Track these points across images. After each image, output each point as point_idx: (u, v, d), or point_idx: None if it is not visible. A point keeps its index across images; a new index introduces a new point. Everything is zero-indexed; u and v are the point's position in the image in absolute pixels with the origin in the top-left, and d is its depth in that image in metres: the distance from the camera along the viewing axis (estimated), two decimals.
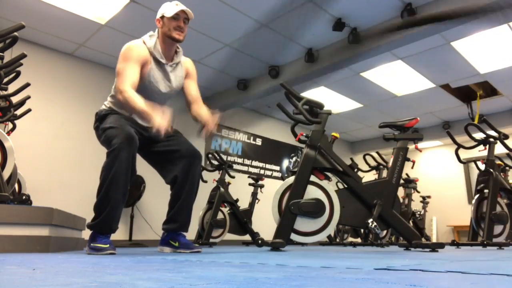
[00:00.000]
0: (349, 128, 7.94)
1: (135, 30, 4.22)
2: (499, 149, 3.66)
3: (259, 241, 3.65)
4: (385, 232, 4.89)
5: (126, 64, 2.02)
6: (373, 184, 2.68)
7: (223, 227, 4.45)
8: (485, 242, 3.17)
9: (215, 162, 4.88)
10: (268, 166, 7.08)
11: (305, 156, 2.55)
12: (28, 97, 3.10)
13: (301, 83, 5.25)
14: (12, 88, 2.85)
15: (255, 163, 6.86)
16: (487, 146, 3.58)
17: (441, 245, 2.47)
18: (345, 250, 3.14)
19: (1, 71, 2.31)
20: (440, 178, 8.41)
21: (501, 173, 3.82)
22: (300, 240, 2.50)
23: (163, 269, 1.03)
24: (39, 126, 4.44)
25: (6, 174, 2.42)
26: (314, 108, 2.61)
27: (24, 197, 3.13)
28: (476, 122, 5.81)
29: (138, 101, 1.91)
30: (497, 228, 3.37)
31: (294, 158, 7.55)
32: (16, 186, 3.25)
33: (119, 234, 4.68)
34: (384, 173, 5.00)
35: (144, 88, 2.10)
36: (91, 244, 1.89)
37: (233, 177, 4.88)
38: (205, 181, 4.40)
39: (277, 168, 7.25)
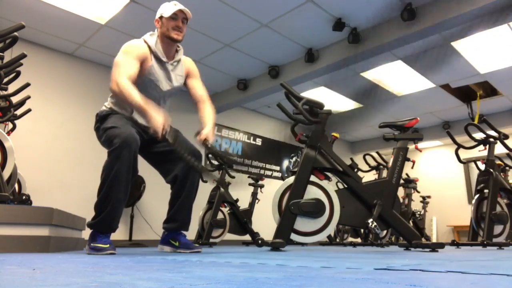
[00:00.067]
0: (349, 128, 7.94)
1: (135, 30, 4.22)
2: (499, 149, 3.66)
3: (259, 241, 3.65)
4: (385, 232, 4.89)
5: (125, 57, 2.02)
6: (373, 184, 2.68)
7: (223, 227, 4.45)
8: (485, 242, 3.17)
9: (215, 162, 4.88)
10: (268, 166, 7.08)
11: (305, 156, 2.55)
12: (28, 97, 3.10)
13: (301, 83, 5.25)
14: (12, 88, 2.85)
15: (255, 163, 6.86)
16: (487, 146, 3.58)
17: (441, 245, 2.47)
18: (345, 250, 3.14)
19: (1, 71, 2.31)
20: (440, 178, 8.41)
21: (501, 173, 3.82)
22: (300, 240, 2.50)
23: (163, 269, 1.03)
24: (39, 126, 4.44)
25: (6, 174, 2.42)
26: (314, 108, 2.61)
27: (24, 197, 3.13)
28: (476, 122, 5.81)
29: (134, 94, 1.89)
30: (497, 228, 3.37)
31: (294, 158, 7.55)
32: (16, 186, 3.25)
33: (119, 234, 4.68)
34: (384, 173, 5.00)
35: (145, 86, 2.10)
36: (91, 244, 1.89)
37: (233, 177, 4.88)
38: (205, 181, 4.40)
39: (277, 168, 7.25)
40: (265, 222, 4.35)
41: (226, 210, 4.61)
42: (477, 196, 3.55)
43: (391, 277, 0.83)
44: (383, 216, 2.54)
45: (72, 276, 0.87)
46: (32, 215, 2.00)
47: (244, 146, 6.75)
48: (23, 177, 3.53)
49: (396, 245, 4.06)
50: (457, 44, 4.60)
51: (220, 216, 4.45)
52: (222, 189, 4.50)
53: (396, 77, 5.51)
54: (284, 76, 5.10)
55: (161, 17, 2.14)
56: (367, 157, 5.21)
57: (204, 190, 3.88)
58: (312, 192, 2.51)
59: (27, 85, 2.91)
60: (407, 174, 5.79)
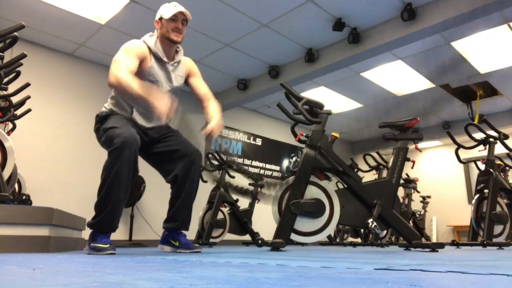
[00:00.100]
0: (349, 128, 7.94)
1: (135, 30, 4.22)
2: (499, 149, 3.66)
3: (259, 241, 3.65)
4: (385, 232, 4.89)
5: (124, 54, 2.02)
6: (373, 184, 2.68)
7: (223, 227, 4.45)
8: (485, 242, 3.17)
9: (215, 162, 4.88)
10: (268, 166, 7.08)
11: (305, 156, 2.55)
12: (28, 97, 3.10)
13: (301, 83, 5.25)
14: (12, 88, 2.85)
15: (255, 163, 6.86)
16: (487, 146, 3.58)
17: (441, 245, 2.47)
18: (345, 250, 3.14)
19: (1, 71, 2.31)
20: (440, 178, 8.41)
21: (501, 173, 3.82)
22: (300, 240, 2.50)
23: (163, 269, 1.03)
24: (39, 126, 4.44)
25: (6, 174, 2.42)
26: (314, 108, 2.61)
27: (24, 197, 3.13)
28: (476, 122, 5.81)
29: (133, 85, 1.85)
30: (497, 228, 3.37)
31: (294, 158, 7.55)
32: (16, 186, 3.25)
33: (119, 234, 4.68)
34: (384, 173, 5.00)
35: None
36: (91, 244, 1.89)
37: (233, 177, 4.88)
38: (205, 181, 4.40)
39: (277, 168, 7.25)
40: (265, 222, 4.35)
41: (226, 210, 4.61)
42: (477, 196, 3.55)
43: (391, 277, 0.83)
44: (383, 216, 2.54)
45: (72, 276, 0.87)
46: (32, 215, 2.00)
47: (244, 146, 6.75)
48: (23, 177, 3.53)
49: (396, 245, 4.06)
50: (457, 44, 4.60)
51: (220, 216, 4.45)
52: (222, 189, 4.50)
53: (396, 77, 5.51)
54: (284, 76, 5.10)
55: (160, 18, 2.14)
56: (367, 157, 5.21)
57: (204, 190, 3.88)
58: (312, 192, 2.51)
59: (27, 85, 2.91)
60: (407, 174, 5.79)
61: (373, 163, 5.27)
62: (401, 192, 5.14)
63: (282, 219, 2.45)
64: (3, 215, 1.91)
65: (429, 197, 6.72)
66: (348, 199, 2.61)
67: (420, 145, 6.74)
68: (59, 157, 4.55)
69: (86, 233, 2.33)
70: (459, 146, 3.78)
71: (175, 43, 2.15)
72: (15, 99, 2.92)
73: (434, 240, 8.09)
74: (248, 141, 6.86)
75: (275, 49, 4.76)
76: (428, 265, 1.16)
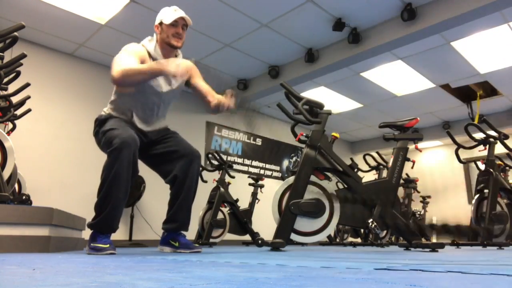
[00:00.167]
0: (349, 128, 7.93)
1: (135, 30, 4.22)
2: (499, 149, 3.66)
3: (259, 241, 3.65)
4: (385, 232, 4.89)
5: (125, 54, 2.02)
6: (373, 184, 2.68)
7: (223, 227, 4.45)
8: (485, 242, 3.17)
9: (215, 162, 4.88)
10: (268, 166, 7.08)
11: (305, 156, 2.55)
12: (28, 97, 3.10)
13: (301, 83, 5.25)
14: (12, 88, 2.85)
15: (255, 163, 6.86)
16: (487, 146, 3.58)
17: (441, 245, 2.47)
18: (345, 250, 3.14)
19: (1, 71, 2.31)
20: (440, 178, 8.40)
21: (501, 173, 3.82)
22: (300, 240, 2.50)
23: (163, 269, 1.03)
24: (39, 126, 4.44)
25: (6, 174, 2.42)
26: (314, 108, 2.61)
27: (24, 197, 3.13)
28: (476, 122, 5.81)
29: (140, 67, 1.90)
30: (497, 228, 3.37)
31: (294, 158, 7.55)
32: (16, 186, 3.25)
33: (119, 234, 4.68)
34: (384, 173, 5.00)
35: (144, 91, 2.10)
36: (91, 244, 1.89)
37: (233, 177, 4.88)
38: (205, 181, 4.40)
39: (277, 168, 7.25)
40: (265, 222, 4.35)
41: (226, 210, 4.61)
42: (477, 196, 3.55)
43: (391, 277, 0.83)
44: (383, 216, 2.54)
45: (72, 276, 0.87)
46: (32, 215, 2.00)
47: (244, 146, 6.75)
48: (23, 177, 3.53)
49: (396, 245, 4.06)
50: (457, 44, 4.60)
51: (220, 216, 4.45)
52: (222, 189, 4.50)
53: (396, 77, 5.51)
54: (284, 76, 5.10)
55: (161, 23, 2.13)
56: (367, 157, 5.21)
57: (204, 190, 3.88)
58: (312, 192, 2.51)
59: (27, 85, 2.91)
60: (407, 174, 5.79)
61: (373, 163, 5.27)
62: (401, 192, 5.14)
63: (282, 219, 2.45)
64: (3, 215, 1.91)
65: (429, 197, 6.72)
66: (348, 199, 2.61)
67: (420, 145, 6.73)
68: (59, 157, 4.55)
69: (86, 233, 2.33)
70: (459, 146, 3.78)
71: (175, 48, 2.15)
72: (15, 99, 2.92)
73: (434, 240, 8.08)
74: (248, 141, 6.86)
75: (275, 49, 4.76)
76: (428, 265, 1.16)
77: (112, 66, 1.97)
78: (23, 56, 2.38)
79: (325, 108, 2.65)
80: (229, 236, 4.63)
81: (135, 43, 2.14)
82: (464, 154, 3.99)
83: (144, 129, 2.17)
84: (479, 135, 3.67)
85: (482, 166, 3.64)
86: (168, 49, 2.16)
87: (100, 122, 2.13)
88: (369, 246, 4.86)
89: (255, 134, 6.97)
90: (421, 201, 6.63)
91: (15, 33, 2.08)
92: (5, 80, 2.63)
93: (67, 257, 1.61)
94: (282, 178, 7.07)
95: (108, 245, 1.88)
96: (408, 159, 2.85)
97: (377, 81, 5.65)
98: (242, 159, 6.66)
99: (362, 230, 5.31)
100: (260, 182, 5.37)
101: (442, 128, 7.30)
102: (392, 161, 2.75)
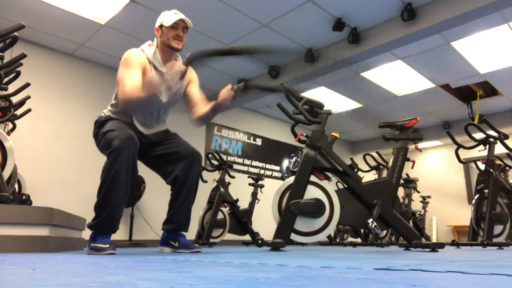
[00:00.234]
0: (349, 128, 7.93)
1: (135, 30, 4.22)
2: (499, 149, 3.66)
3: (259, 241, 3.64)
4: (385, 232, 4.89)
5: (126, 70, 2.01)
6: (373, 184, 2.68)
7: (223, 227, 4.45)
8: (485, 242, 3.17)
9: (215, 162, 4.88)
10: (268, 166, 7.09)
11: (305, 156, 2.55)
12: (28, 97, 3.10)
13: (301, 83, 5.25)
14: (12, 88, 2.85)
15: (255, 163, 6.86)
16: (487, 146, 3.58)
17: (441, 245, 2.47)
18: (345, 250, 3.14)
19: (1, 71, 2.31)
20: (440, 178, 8.41)
21: (501, 173, 3.82)
22: (300, 240, 2.50)
23: (163, 269, 1.03)
24: (39, 126, 4.44)
25: (6, 174, 2.42)
26: (314, 108, 2.61)
27: (24, 197, 3.13)
28: (476, 122, 5.81)
29: (140, 95, 1.92)
30: (497, 228, 3.37)
31: (294, 158, 7.55)
32: (16, 186, 3.25)
33: (119, 234, 4.68)
34: (384, 173, 5.00)
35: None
36: (91, 244, 1.89)
37: (233, 177, 4.88)
38: (205, 181, 4.40)
39: (277, 168, 7.25)
40: (265, 222, 4.35)
41: (226, 210, 4.61)
42: (477, 196, 3.55)
43: (391, 277, 0.83)
44: (383, 216, 2.54)
45: (72, 276, 0.87)
46: (32, 215, 2.00)
47: (244, 146, 6.75)
48: (23, 177, 3.53)
49: (396, 245, 4.06)
50: (457, 44, 4.60)
51: (220, 216, 4.45)
52: (222, 189, 4.50)
53: (396, 77, 5.51)
54: (284, 76, 5.10)
55: (161, 26, 2.13)
56: (367, 157, 5.21)
57: (204, 190, 3.88)
58: (312, 192, 2.51)
59: (27, 85, 2.91)
60: (407, 174, 5.79)
61: (373, 163, 5.27)
62: (401, 192, 5.14)
63: (282, 219, 2.45)
64: (3, 215, 1.91)
65: (429, 197, 6.72)
66: (348, 199, 2.61)
67: (420, 145, 6.75)
68: (59, 157, 4.55)
69: (86, 233, 2.33)
70: (459, 146, 3.78)
71: (176, 50, 2.15)
72: (15, 99, 2.92)
73: (434, 240, 8.09)
74: (248, 141, 6.86)
75: None
76: (428, 265, 1.16)
77: (118, 85, 2.01)
78: (23, 56, 2.38)
79: (325, 108, 2.65)
80: (229, 236, 4.63)
81: (134, 50, 2.12)
82: (464, 154, 3.99)
83: (144, 132, 2.17)
84: (479, 135, 3.67)
85: (482, 166, 3.64)
86: (169, 52, 2.16)
87: (99, 124, 2.13)
88: (369, 246, 4.86)
89: (255, 134, 6.97)
90: (421, 201, 6.63)
91: (15, 33, 2.08)
92: (5, 80, 2.63)
93: (67, 257, 1.61)
94: (282, 178, 7.07)
95: (108, 245, 1.88)
96: (408, 159, 2.85)
97: (377, 81, 5.65)
98: (242, 159, 6.66)
99: (362, 230, 5.31)
100: (260, 182, 5.37)
101: (442, 128, 7.30)
102: (392, 161, 2.75)
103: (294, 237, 2.48)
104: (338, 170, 2.57)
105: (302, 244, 4.54)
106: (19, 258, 1.44)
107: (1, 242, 1.86)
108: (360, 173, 3.54)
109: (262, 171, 6.94)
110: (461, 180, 8.16)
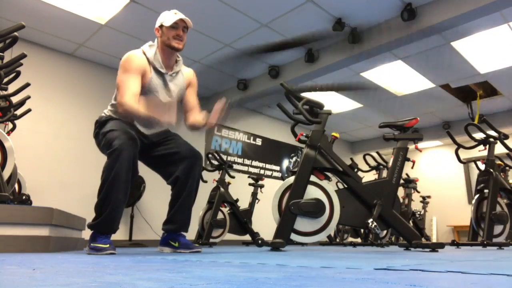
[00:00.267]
0: (349, 128, 7.94)
1: (135, 30, 4.22)
2: (499, 149, 3.66)
3: (259, 241, 3.64)
4: (385, 232, 4.89)
5: (126, 75, 2.02)
6: (373, 184, 2.68)
7: (223, 227, 4.45)
8: (485, 242, 3.17)
9: (215, 162, 4.88)
10: (268, 166, 7.08)
11: (305, 156, 2.55)
12: (28, 97, 3.10)
13: (301, 83, 5.25)
14: (12, 88, 2.85)
15: (255, 163, 6.86)
16: (487, 146, 3.58)
17: (441, 245, 2.47)
18: (345, 250, 3.14)
19: (1, 71, 2.31)
20: (440, 178, 8.41)
21: (501, 173, 3.82)
22: (300, 240, 2.50)
23: (163, 269, 1.03)
24: (39, 126, 4.44)
25: (6, 174, 2.42)
26: (314, 108, 2.61)
27: (24, 197, 3.13)
28: (476, 122, 5.81)
29: (140, 111, 1.94)
30: (497, 228, 3.37)
31: (294, 158, 7.55)
32: (16, 186, 3.25)
33: (119, 234, 4.67)
34: (384, 173, 5.00)
35: (145, 98, 2.10)
36: (91, 244, 1.89)
37: (233, 177, 4.88)
38: (205, 181, 4.40)
39: (277, 168, 7.25)
40: (265, 222, 4.35)
41: (226, 210, 4.61)
42: (477, 196, 3.55)
43: (391, 277, 0.83)
44: (383, 216, 2.54)
45: (72, 276, 0.87)
46: (32, 215, 2.00)
47: (244, 146, 6.75)
48: (23, 177, 3.53)
49: (396, 245, 4.06)
50: (457, 44, 4.60)
51: (220, 216, 4.45)
52: (222, 189, 4.50)
53: (396, 77, 5.51)
54: (284, 76, 5.10)
55: (161, 26, 2.13)
56: (367, 157, 5.21)
57: (204, 190, 3.87)
58: (312, 192, 2.51)
59: (27, 85, 2.91)
60: (407, 174, 5.79)
61: (373, 163, 5.27)
62: (401, 192, 5.14)
63: (282, 219, 2.45)
64: (3, 215, 1.91)
65: (429, 197, 6.72)
66: (348, 199, 2.61)
67: (420, 145, 6.73)
68: (59, 157, 4.55)
69: (86, 233, 2.33)
70: (459, 146, 3.78)
71: (176, 50, 2.15)
72: (15, 99, 2.92)
73: (434, 240, 8.09)
74: (248, 141, 6.86)
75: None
76: (428, 265, 1.16)
77: (117, 89, 2.04)
78: (23, 56, 2.37)
79: (325, 108, 2.64)
80: (229, 236, 4.63)
81: (135, 51, 2.13)
82: (464, 154, 3.99)
83: (145, 132, 2.17)
84: (479, 135, 3.67)
85: (482, 166, 3.64)
86: (169, 53, 2.16)
87: (100, 124, 2.13)
88: (369, 246, 4.86)
89: (255, 134, 6.97)
90: (421, 201, 6.63)
91: (15, 33, 2.08)
92: (5, 80, 2.63)
93: (67, 257, 1.61)
94: (282, 178, 7.07)
95: (108, 245, 1.88)
96: (408, 159, 2.85)
97: (377, 81, 5.65)
98: (242, 159, 6.66)
99: (362, 230, 5.31)
100: (260, 182, 5.37)
101: (442, 128, 7.30)
102: (392, 161, 2.75)
103: (294, 237, 2.48)
104: (338, 170, 2.57)
105: (302, 244, 4.54)
106: (19, 258, 1.44)
107: (1, 242, 1.86)
108: (360, 173, 3.54)
109: (262, 171, 6.94)
110: (461, 180, 8.16)
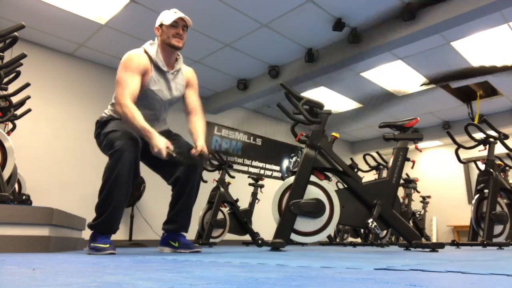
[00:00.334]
0: (349, 128, 7.94)
1: (135, 30, 4.22)
2: (499, 149, 3.66)
3: (259, 241, 3.64)
4: (385, 232, 4.89)
5: (126, 73, 2.02)
6: (373, 184, 2.68)
7: (223, 227, 4.45)
8: (485, 242, 3.17)
9: (215, 162, 4.88)
10: (268, 166, 7.08)
11: (305, 156, 2.55)
12: (28, 97, 3.10)
13: (301, 83, 5.25)
14: (12, 88, 2.85)
15: (255, 163, 6.86)
16: (487, 146, 3.58)
17: (441, 245, 2.47)
18: (345, 250, 3.14)
19: (1, 71, 2.31)
20: (440, 178, 8.41)
21: (501, 173, 3.82)
22: (300, 240, 2.50)
23: (163, 269, 1.03)
24: (39, 126, 4.44)
25: (6, 174, 2.42)
26: (314, 108, 2.61)
27: (24, 197, 3.13)
28: (476, 122, 5.81)
29: (138, 117, 1.92)
30: (497, 228, 3.37)
31: (294, 158, 7.55)
32: (16, 186, 3.25)
33: (119, 234, 4.67)
34: (384, 173, 5.00)
35: (145, 96, 2.11)
36: (91, 244, 1.89)
37: (233, 177, 4.88)
38: (205, 181, 4.40)
39: (277, 168, 7.25)
40: (265, 222, 4.35)
41: (226, 210, 4.61)
42: (477, 196, 3.55)
43: (391, 277, 0.83)
44: (383, 216, 2.54)
45: (72, 276, 0.87)
46: (32, 215, 2.00)
47: (244, 146, 6.75)
48: (23, 177, 3.53)
49: (396, 245, 4.06)
50: (457, 44, 4.60)
51: (220, 216, 4.45)
52: (222, 189, 4.50)
53: (396, 77, 5.51)
54: (284, 76, 5.10)
55: (161, 25, 2.13)
56: (367, 157, 5.21)
57: (204, 190, 3.87)
58: (312, 192, 2.51)
59: (27, 85, 2.91)
60: (407, 174, 5.79)
61: (373, 163, 5.27)
62: (401, 192, 5.14)
63: (282, 219, 2.45)
64: (3, 215, 1.91)
65: (429, 197, 6.72)
66: (348, 199, 2.61)
67: (420, 145, 6.74)
68: (59, 157, 4.55)
69: (86, 233, 2.33)
70: (459, 146, 3.78)
71: (176, 48, 2.15)
72: (15, 99, 2.92)
73: (434, 240, 8.09)
74: (248, 141, 6.86)
75: (275, 49, 4.76)
76: (428, 265, 1.16)
77: (116, 89, 2.02)
78: (23, 56, 2.37)
79: (325, 108, 2.64)
80: (229, 236, 4.63)
81: (136, 50, 2.13)
82: (464, 154, 3.99)
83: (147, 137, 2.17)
84: (479, 135, 3.67)
85: (482, 166, 3.64)
86: (169, 51, 2.16)
87: (101, 124, 2.13)
88: (369, 246, 4.86)
89: (255, 134, 6.97)
90: (421, 201, 6.63)
91: (15, 33, 2.08)
92: (5, 80, 2.63)
93: (67, 257, 1.61)
94: (282, 178, 7.07)
95: (108, 245, 1.88)
96: (408, 159, 2.85)
97: (377, 81, 5.65)
98: (242, 159, 6.66)
99: (362, 230, 5.31)
100: (260, 182, 5.37)
101: (442, 128, 7.30)
102: (392, 161, 2.75)
103: (294, 237, 2.48)
104: (338, 170, 2.57)
105: (302, 244, 4.54)
106: (19, 258, 1.44)
107: (1, 242, 1.86)
108: (360, 173, 3.54)
109: (262, 171, 6.94)
110: (461, 180, 8.16)
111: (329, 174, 2.67)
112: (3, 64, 2.37)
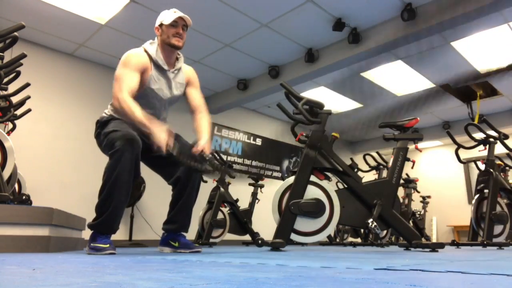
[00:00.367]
0: (349, 128, 7.94)
1: (135, 30, 4.22)
2: (499, 149, 3.66)
3: (259, 241, 3.65)
4: (385, 232, 4.89)
5: (124, 70, 2.01)
6: (373, 184, 2.68)
7: (223, 227, 4.45)
8: (485, 242, 3.17)
9: (216, 162, 4.87)
10: (268, 166, 7.08)
11: (305, 156, 2.55)
12: (28, 97, 3.10)
13: (301, 83, 5.25)
14: (12, 88, 2.85)
15: (255, 163, 6.86)
16: (487, 146, 3.58)
17: (441, 245, 2.47)
18: (345, 250, 3.14)
19: (1, 71, 2.31)
20: (440, 178, 8.41)
21: (501, 173, 3.82)
22: (300, 240, 2.50)
23: (163, 269, 1.03)
24: (39, 126, 4.44)
25: (6, 174, 2.42)
26: (314, 108, 2.61)
27: (24, 197, 3.13)
28: (476, 122, 5.81)
29: (136, 111, 1.91)
30: (497, 228, 3.37)
31: (294, 158, 7.55)
32: (16, 186, 3.25)
33: (119, 234, 4.67)
34: (384, 173, 5.00)
35: (146, 95, 2.11)
36: (91, 244, 1.89)
37: (233, 177, 4.88)
38: (205, 181, 4.40)
39: (277, 168, 7.25)
40: (265, 222, 4.35)
41: (226, 210, 4.61)
42: (477, 196, 3.55)
43: (391, 277, 0.83)
44: (383, 216, 2.54)
45: (72, 276, 0.87)
46: (32, 215, 2.00)
47: (244, 146, 6.75)
48: (23, 177, 3.53)
49: (396, 245, 4.06)
50: (457, 44, 4.60)
51: (220, 216, 4.45)
52: (222, 189, 4.50)
53: (396, 77, 5.51)
54: (284, 76, 5.10)
55: (161, 25, 2.13)
56: (367, 157, 5.21)
57: (204, 190, 3.87)
58: (312, 192, 2.51)
59: (27, 85, 2.91)
60: (407, 174, 5.79)
61: (373, 163, 5.27)
62: (401, 192, 5.14)
63: (282, 219, 2.45)
64: (3, 215, 1.91)
65: (429, 197, 6.72)
66: (348, 199, 2.61)
67: (420, 145, 6.75)
68: (59, 157, 4.55)
69: (86, 233, 2.33)
70: (459, 146, 3.78)
71: (176, 48, 2.15)
72: (15, 99, 2.92)
73: (434, 240, 8.09)
74: (248, 141, 6.86)
75: (275, 49, 4.76)
76: (428, 265, 1.16)
77: (113, 85, 2.01)
78: (23, 56, 2.37)
79: (325, 108, 2.64)
80: (229, 236, 4.63)
81: (136, 50, 2.13)
82: (464, 154, 3.99)
83: (147, 132, 2.16)
84: (479, 135, 3.67)
85: (482, 166, 3.64)
86: (169, 51, 2.16)
87: (101, 124, 2.13)
88: (369, 246, 4.86)
89: (255, 134, 6.97)
90: (421, 201, 6.63)
91: (15, 33, 2.08)
92: (5, 80, 2.63)
93: (67, 257, 1.61)
94: (282, 178, 7.07)
95: (108, 245, 1.88)
96: (408, 159, 2.85)
97: (377, 81, 5.65)
98: (242, 159, 6.66)
99: (362, 230, 5.31)
100: (260, 182, 5.37)
101: (442, 128, 7.30)
102: (392, 161, 2.75)
103: (294, 237, 2.48)
104: (338, 170, 2.57)
105: (302, 244, 4.54)
106: (19, 258, 1.44)
107: (1, 242, 1.86)
108: (360, 173, 3.55)
109: (262, 171, 6.93)
110: (461, 180, 8.16)
111: (329, 174, 2.67)
112: (3, 64, 2.37)
